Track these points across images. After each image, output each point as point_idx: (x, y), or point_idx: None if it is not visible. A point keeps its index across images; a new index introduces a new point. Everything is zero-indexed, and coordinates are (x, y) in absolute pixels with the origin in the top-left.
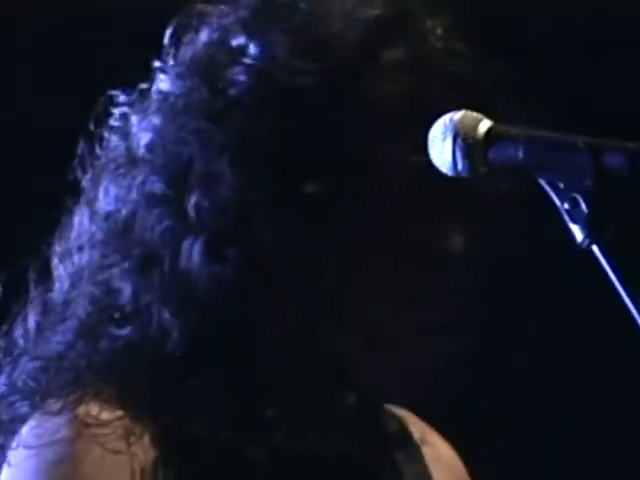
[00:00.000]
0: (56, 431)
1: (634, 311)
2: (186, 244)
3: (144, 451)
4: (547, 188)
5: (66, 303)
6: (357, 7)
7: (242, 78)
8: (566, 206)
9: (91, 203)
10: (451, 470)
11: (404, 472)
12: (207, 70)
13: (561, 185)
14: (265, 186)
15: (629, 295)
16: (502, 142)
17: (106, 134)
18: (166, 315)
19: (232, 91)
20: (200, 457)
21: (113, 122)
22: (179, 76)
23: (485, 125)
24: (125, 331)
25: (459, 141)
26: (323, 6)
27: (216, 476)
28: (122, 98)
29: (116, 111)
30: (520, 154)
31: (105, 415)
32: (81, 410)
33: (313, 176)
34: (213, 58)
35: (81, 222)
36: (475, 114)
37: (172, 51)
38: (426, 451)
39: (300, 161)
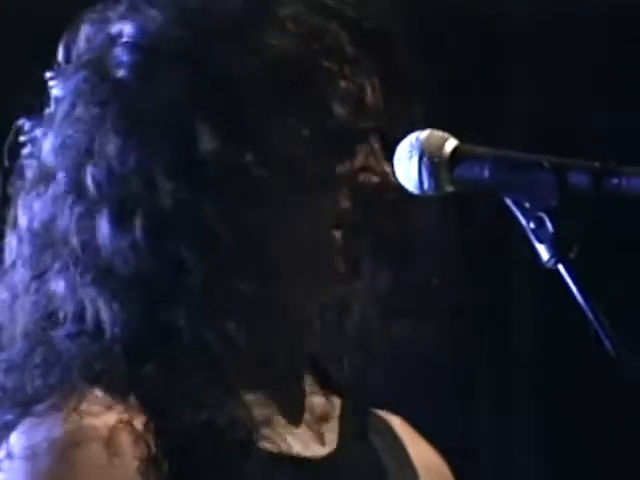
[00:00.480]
0: (47, 436)
1: (598, 330)
2: (97, 222)
3: (136, 445)
4: (513, 207)
5: (11, 320)
6: None
7: (124, 57)
8: (532, 225)
9: (17, 223)
10: (439, 477)
11: (390, 475)
12: (92, 60)
13: (527, 204)
14: (162, 151)
15: (593, 314)
16: (468, 161)
17: (21, 162)
18: (95, 299)
19: (119, 72)
20: (193, 447)
21: (24, 150)
22: (68, 76)
23: (451, 144)
24: (66, 326)
25: (425, 160)
26: None
27: (210, 462)
28: (27, 125)
29: (25, 138)
30: (486, 173)
31: (90, 412)
32: (66, 412)
33: (207, 137)
34: (95, 48)
35: (10, 244)
36: (441, 133)
37: (63, 60)
38: (415, 457)
39: (194, 122)
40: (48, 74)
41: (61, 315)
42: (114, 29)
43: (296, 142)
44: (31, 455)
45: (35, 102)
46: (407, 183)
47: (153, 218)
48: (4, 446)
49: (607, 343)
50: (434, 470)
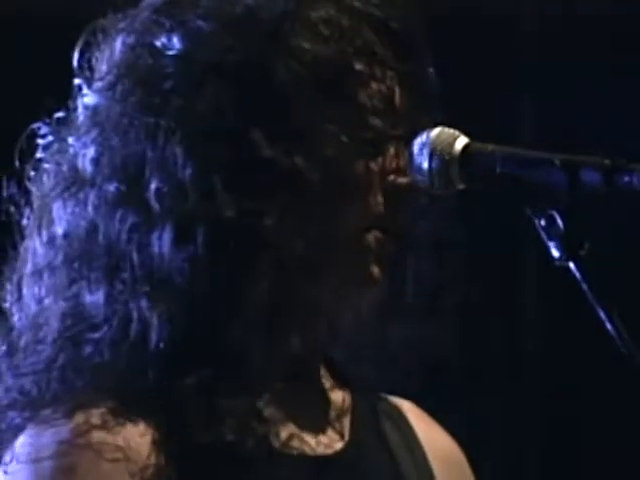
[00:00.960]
0: (53, 441)
1: (610, 327)
2: (155, 235)
3: (143, 456)
4: (523, 205)
5: (36, 326)
6: None
7: (172, 69)
8: (543, 223)
9: (44, 229)
10: (451, 462)
11: (400, 460)
12: (137, 72)
13: (538, 202)
14: (219, 161)
15: (605, 311)
16: (478, 158)
17: (36, 166)
18: (145, 310)
19: (166, 84)
20: (201, 460)
21: (41, 153)
22: (108, 86)
23: (462, 142)
24: (103, 334)
25: (436, 157)
26: None
27: (218, 478)
28: (45, 129)
29: (41, 142)
30: (497, 170)
31: (101, 422)
32: (77, 419)
33: (263, 144)
34: (139, 59)
35: (34, 251)
36: (452, 131)
37: (86, 68)
38: (425, 442)
39: (249, 130)
40: (77, 81)
41: (97, 323)
42: (159, 41)
43: (336, 144)
44: (35, 459)
45: (52, 107)
46: (419, 180)
47: (215, 231)
48: (10, 449)
49: (618, 340)
50: (446, 454)
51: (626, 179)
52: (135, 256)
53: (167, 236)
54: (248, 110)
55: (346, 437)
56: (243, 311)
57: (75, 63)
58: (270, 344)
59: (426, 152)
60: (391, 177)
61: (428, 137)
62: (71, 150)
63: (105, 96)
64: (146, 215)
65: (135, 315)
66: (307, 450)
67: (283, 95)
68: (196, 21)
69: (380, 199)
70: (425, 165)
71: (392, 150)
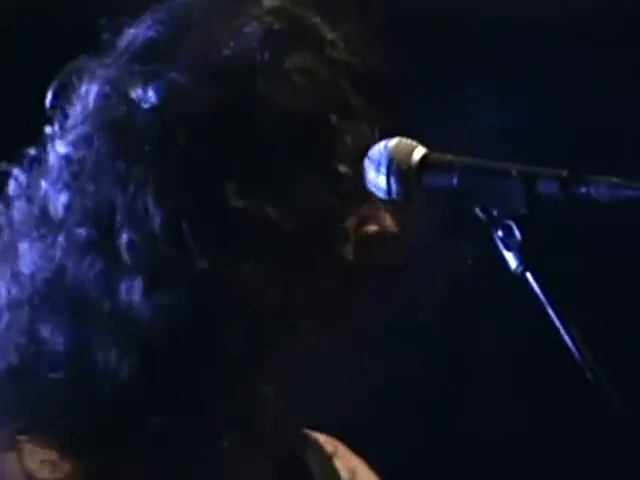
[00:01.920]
0: None
1: (567, 339)
2: (124, 284)
3: None
4: (481, 215)
5: None
6: (243, 25)
7: (146, 121)
8: (500, 233)
9: (8, 264)
10: None
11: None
12: (110, 122)
13: (495, 212)
14: (189, 211)
15: (562, 323)
16: (436, 169)
17: (6, 200)
18: (112, 359)
19: (140, 134)
20: None
21: (10, 192)
22: (81, 137)
23: (420, 152)
24: (61, 375)
25: (394, 167)
26: (207, 34)
27: None
28: (15, 170)
29: (14, 177)
30: (454, 181)
31: (41, 457)
32: (16, 451)
33: (236, 195)
34: (114, 110)
35: None
36: (410, 141)
37: (59, 113)
38: (345, 474)
39: (221, 180)
40: (47, 129)
41: (56, 364)
42: (134, 93)
43: (310, 195)
44: None
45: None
46: (376, 190)
47: (187, 282)
48: None
49: (574, 351)
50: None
51: (583, 190)
52: (103, 303)
53: (137, 285)
54: (220, 161)
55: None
56: (215, 363)
57: (48, 105)
58: (240, 395)
59: (384, 162)
60: (366, 227)
61: (386, 147)
62: (42, 192)
63: (78, 146)
64: (116, 263)
65: (101, 362)
66: None
67: (256, 146)
68: (171, 72)
69: (352, 248)
70: (383, 175)
71: (368, 200)
